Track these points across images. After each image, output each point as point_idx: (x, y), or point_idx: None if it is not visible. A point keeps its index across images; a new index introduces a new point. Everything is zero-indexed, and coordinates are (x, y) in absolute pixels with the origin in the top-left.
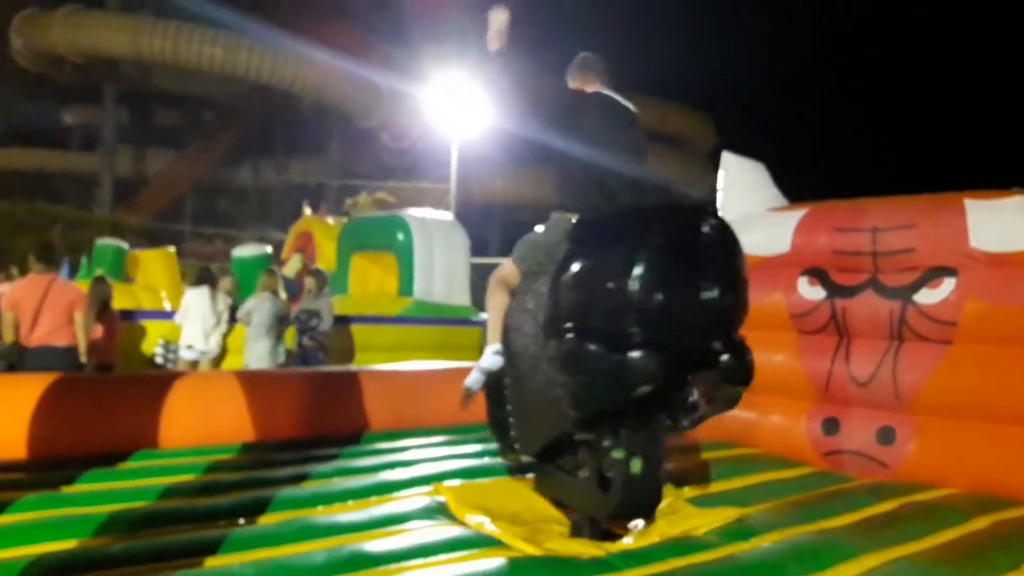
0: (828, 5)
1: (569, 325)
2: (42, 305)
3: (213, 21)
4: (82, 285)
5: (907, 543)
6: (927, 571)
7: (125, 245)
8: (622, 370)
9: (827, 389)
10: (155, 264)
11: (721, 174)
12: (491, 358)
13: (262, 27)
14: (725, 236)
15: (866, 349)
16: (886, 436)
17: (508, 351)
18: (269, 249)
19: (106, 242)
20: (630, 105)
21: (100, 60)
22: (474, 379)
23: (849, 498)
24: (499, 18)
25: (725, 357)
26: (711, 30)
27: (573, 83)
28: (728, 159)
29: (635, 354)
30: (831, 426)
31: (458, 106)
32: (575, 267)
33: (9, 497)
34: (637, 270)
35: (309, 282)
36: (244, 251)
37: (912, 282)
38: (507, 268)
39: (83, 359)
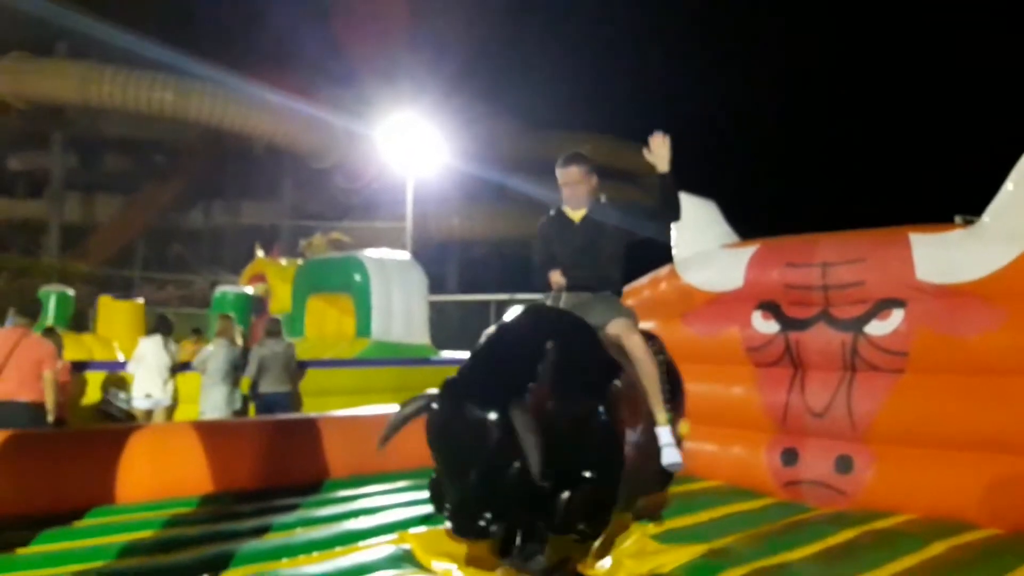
0: (773, 39)
1: None
2: (9, 359)
3: (162, 66)
4: None
5: (867, 572)
6: None
7: (71, 291)
8: None
9: (784, 420)
10: (121, 315)
11: None
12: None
13: (212, 71)
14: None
15: (821, 380)
16: (844, 465)
17: None
18: (251, 290)
19: (50, 288)
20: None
21: (47, 106)
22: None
23: (810, 528)
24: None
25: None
26: (660, 67)
27: (586, 175)
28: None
29: None
30: (790, 456)
31: (412, 145)
32: None
33: None
34: None
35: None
36: (228, 290)
37: (862, 314)
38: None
39: (50, 417)
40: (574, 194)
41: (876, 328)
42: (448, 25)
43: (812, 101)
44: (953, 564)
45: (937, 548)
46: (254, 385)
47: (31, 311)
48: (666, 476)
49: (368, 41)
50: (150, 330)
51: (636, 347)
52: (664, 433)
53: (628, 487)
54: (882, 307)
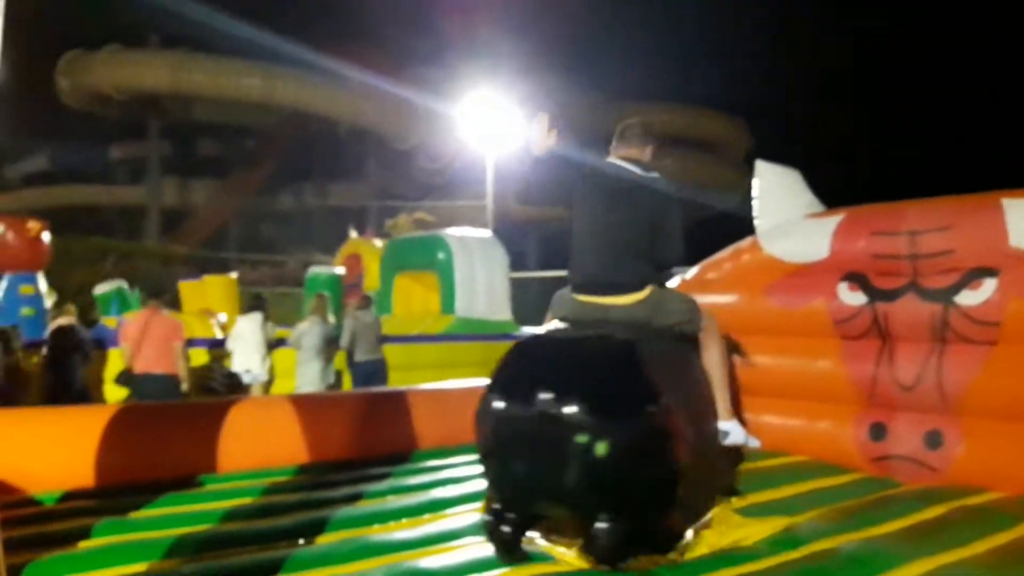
0: (862, 7)
1: None
2: (144, 336)
3: (250, 53)
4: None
5: (956, 548)
6: None
7: (127, 286)
8: None
9: (872, 394)
10: (216, 290)
11: (755, 182)
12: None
13: (297, 56)
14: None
15: (909, 353)
16: (934, 440)
17: None
18: (341, 271)
19: (106, 287)
20: (648, 173)
21: (143, 96)
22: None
23: (898, 504)
24: (542, 126)
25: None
26: (744, 35)
27: (637, 150)
28: (762, 167)
29: None
30: (878, 431)
31: (492, 124)
32: None
33: (83, 524)
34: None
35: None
36: (320, 270)
37: (953, 284)
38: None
39: (184, 386)
40: None
41: (967, 298)
42: (525, 1)
43: (898, 67)
44: None
45: None
46: (349, 355)
47: (159, 292)
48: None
49: (449, 20)
50: (247, 309)
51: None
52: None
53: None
54: (973, 276)
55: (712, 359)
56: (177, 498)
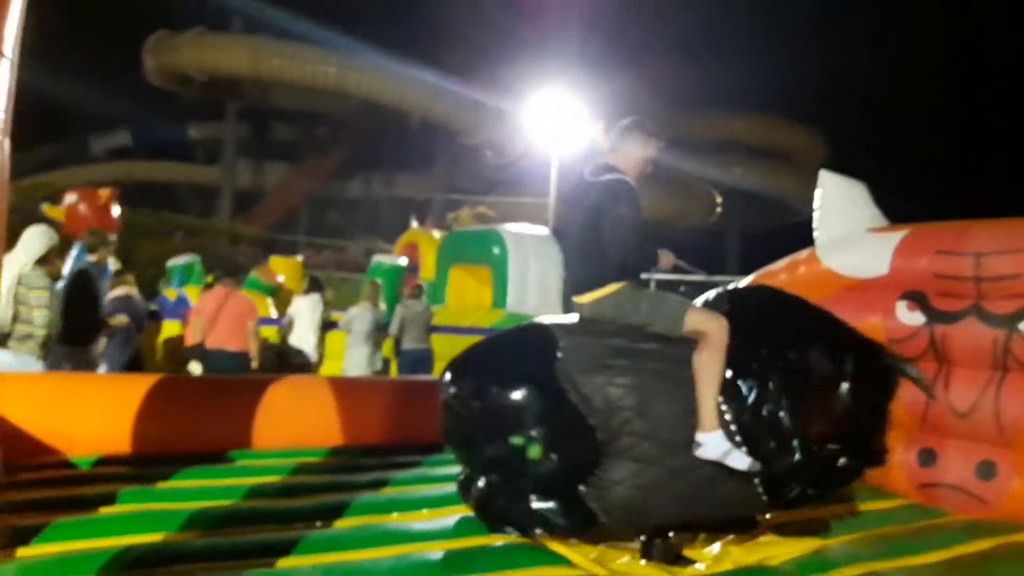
0: (939, 21)
1: None
2: (219, 313)
3: (327, 42)
4: (192, 291)
5: None
6: None
7: (198, 260)
8: None
9: (924, 419)
10: (282, 271)
11: (818, 192)
12: (734, 455)
13: (373, 49)
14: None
15: (967, 378)
16: (986, 471)
17: None
18: (404, 261)
19: (179, 261)
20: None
21: (223, 78)
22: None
23: (940, 534)
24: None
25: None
26: (822, 45)
27: (629, 147)
28: (826, 177)
29: None
30: (927, 457)
31: (558, 123)
32: None
33: (110, 490)
34: None
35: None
36: (383, 259)
37: (1018, 309)
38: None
39: (254, 364)
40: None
41: None
42: (598, 4)
43: (974, 83)
44: None
45: None
46: (397, 343)
47: (235, 271)
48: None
49: (523, 19)
50: (305, 290)
51: None
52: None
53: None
54: None
55: (700, 363)
56: (206, 471)
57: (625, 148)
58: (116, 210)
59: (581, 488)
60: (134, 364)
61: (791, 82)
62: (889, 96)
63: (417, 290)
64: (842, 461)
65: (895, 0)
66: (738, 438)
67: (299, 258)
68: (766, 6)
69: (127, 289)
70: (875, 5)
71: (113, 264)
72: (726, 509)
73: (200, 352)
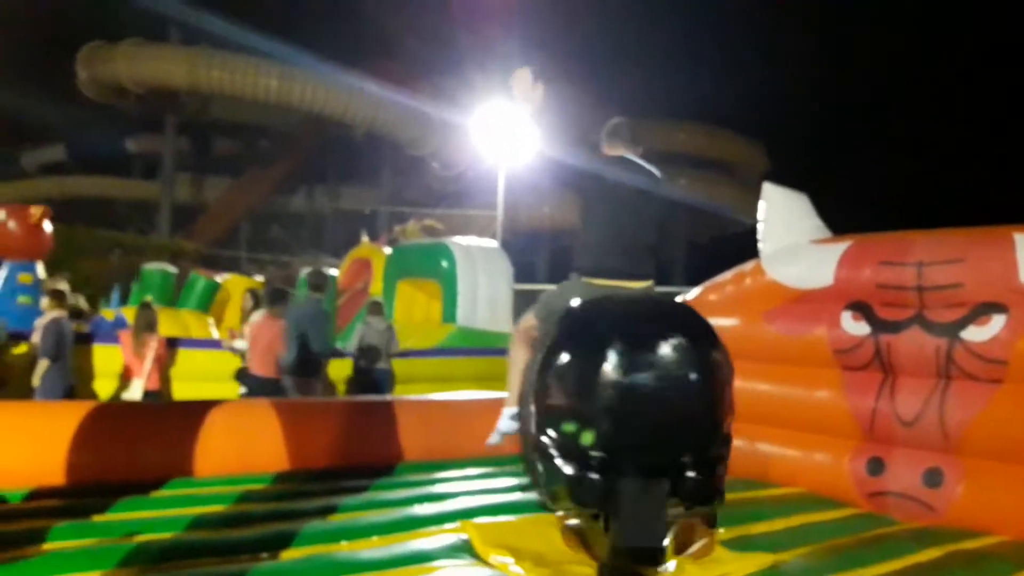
0: (883, 34)
1: (540, 419)
2: (255, 340)
3: (269, 53)
4: (130, 312)
5: None
6: None
7: (173, 269)
8: (577, 485)
9: (872, 428)
10: (239, 291)
11: (762, 204)
12: (508, 423)
13: (316, 60)
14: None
15: (912, 387)
16: (933, 478)
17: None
18: (336, 272)
19: (154, 267)
20: (654, 170)
21: (161, 91)
22: (495, 440)
23: (892, 544)
24: (523, 79)
25: (691, 474)
26: (763, 57)
27: (631, 149)
28: (769, 189)
29: (591, 475)
30: (876, 466)
31: (505, 134)
32: (557, 360)
33: (43, 525)
34: (610, 379)
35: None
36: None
37: (959, 318)
38: (529, 321)
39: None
40: None
41: (974, 334)
42: (542, 14)
43: (913, 94)
44: None
45: None
46: (356, 361)
47: (276, 299)
48: None
49: (467, 31)
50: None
51: None
52: None
53: None
54: (981, 312)
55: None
56: (144, 502)
57: (639, 148)
58: (48, 227)
59: None
60: (66, 392)
61: (733, 94)
62: (829, 108)
63: (376, 306)
64: None
65: (835, 15)
66: None
67: (259, 278)
68: (710, 19)
69: (57, 312)
70: (816, 19)
71: (48, 283)
72: None
73: (242, 375)
